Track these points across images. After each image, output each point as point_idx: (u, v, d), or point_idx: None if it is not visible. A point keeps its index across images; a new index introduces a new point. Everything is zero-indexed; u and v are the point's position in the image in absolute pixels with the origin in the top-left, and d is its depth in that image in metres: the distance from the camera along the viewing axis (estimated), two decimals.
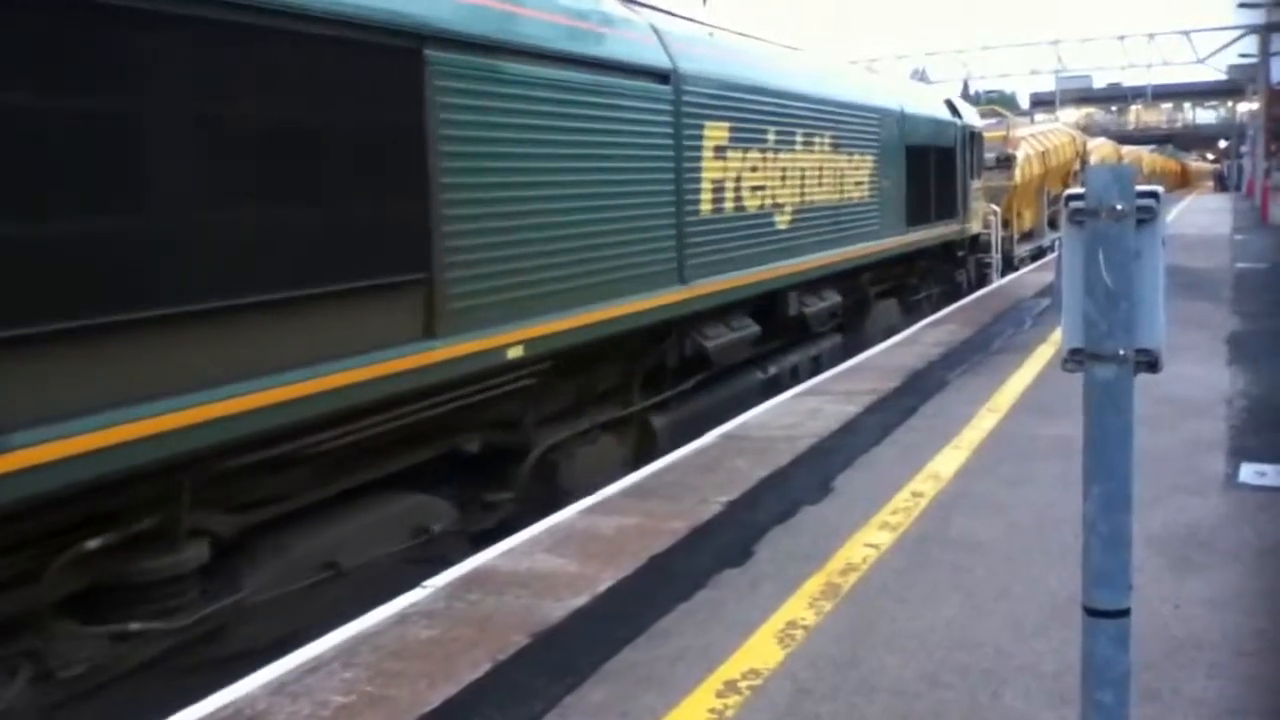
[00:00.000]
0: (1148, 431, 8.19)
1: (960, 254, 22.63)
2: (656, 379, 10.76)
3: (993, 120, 32.29)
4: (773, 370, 13.13)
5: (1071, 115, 77.16)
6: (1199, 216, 44.32)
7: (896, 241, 17.03)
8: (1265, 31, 52.48)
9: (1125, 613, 3.41)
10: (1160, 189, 3.41)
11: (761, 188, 11.90)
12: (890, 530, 7.10)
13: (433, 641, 5.59)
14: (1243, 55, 62.06)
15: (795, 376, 13.44)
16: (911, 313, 18.93)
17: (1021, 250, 30.85)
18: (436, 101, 7.06)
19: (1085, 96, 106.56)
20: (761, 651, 5.39)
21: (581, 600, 6.08)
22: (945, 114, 20.97)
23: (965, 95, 61.79)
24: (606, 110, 9.04)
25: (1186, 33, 66.73)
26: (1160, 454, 8.44)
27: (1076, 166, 38.16)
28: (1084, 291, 3.33)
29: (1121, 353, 3.29)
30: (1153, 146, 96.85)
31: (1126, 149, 66.82)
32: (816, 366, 14.19)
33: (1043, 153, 33.15)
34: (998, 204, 26.74)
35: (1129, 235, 3.26)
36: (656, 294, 9.73)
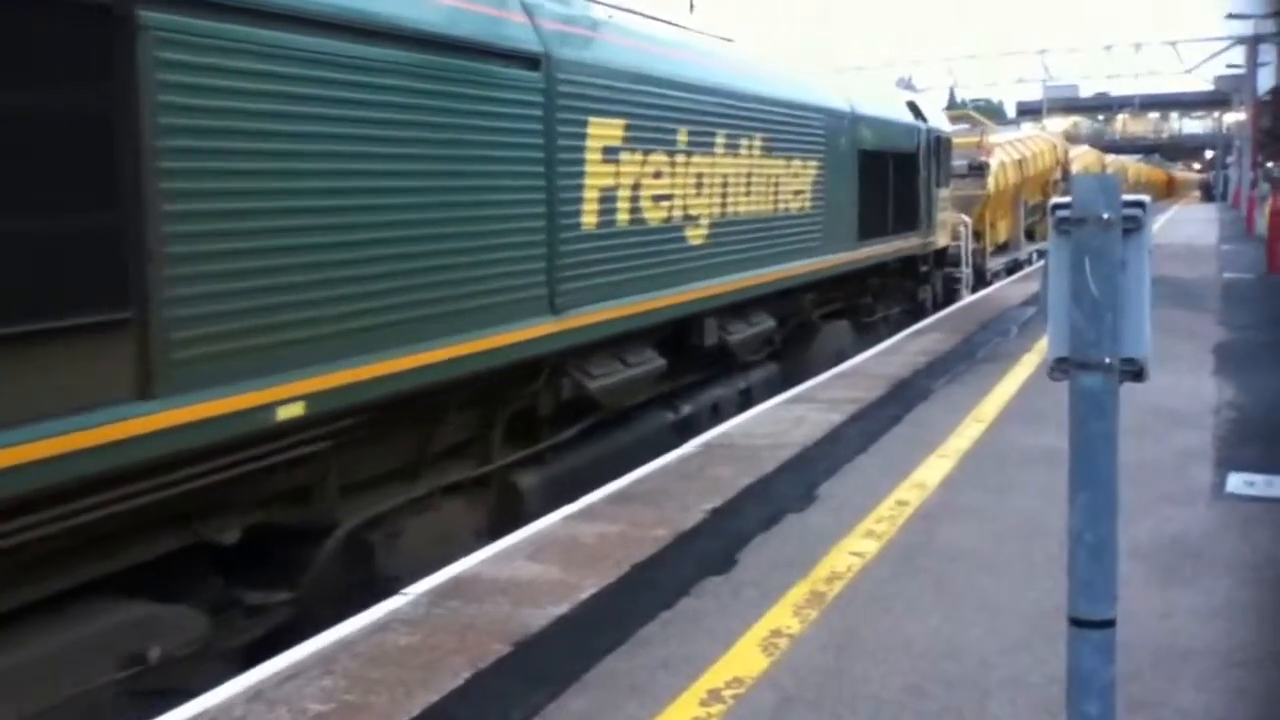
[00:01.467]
0: (1134, 441, 8.16)
1: (924, 269, 20.81)
2: (530, 427, 9.05)
3: (964, 125, 30.88)
4: (687, 410, 11.42)
5: (1058, 124, 77.26)
6: (1185, 227, 44.45)
7: (846, 257, 15.28)
8: (1253, 43, 52.67)
9: (1111, 623, 3.40)
10: (1147, 198, 3.40)
11: (668, 197, 10.13)
12: (875, 539, 7.07)
13: (412, 649, 5.54)
14: (1230, 66, 62.27)
15: (717, 415, 11.80)
16: (867, 335, 17.20)
17: (995, 264, 29.34)
18: (156, 80, 5.21)
19: (1072, 106, 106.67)
20: (745, 660, 5.35)
21: (563, 608, 6.03)
22: (906, 116, 19.29)
23: (951, 103, 61.86)
24: (441, 100, 7.20)
25: (1173, 43, 66.88)
26: (1147, 464, 8.42)
27: (1057, 175, 36.96)
28: (1070, 300, 3.31)
29: (1107, 361, 3.29)
30: (1139, 156, 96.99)
31: (1111, 158, 65.62)
32: (746, 401, 12.53)
33: (1019, 160, 31.61)
34: (969, 215, 25.49)
35: (1115, 244, 3.26)
36: (515, 327, 7.90)
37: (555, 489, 8.89)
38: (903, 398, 11.69)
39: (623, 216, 9.38)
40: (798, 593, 6.19)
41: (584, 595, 6.22)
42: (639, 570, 6.64)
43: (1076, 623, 3.41)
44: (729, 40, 12.68)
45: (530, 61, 8.20)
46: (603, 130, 9.04)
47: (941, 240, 21.62)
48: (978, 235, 26.83)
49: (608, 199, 9.14)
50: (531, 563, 6.77)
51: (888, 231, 17.39)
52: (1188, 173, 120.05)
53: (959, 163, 25.66)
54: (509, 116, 7.92)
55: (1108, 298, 3.26)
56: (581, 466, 9.37)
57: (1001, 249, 31.06)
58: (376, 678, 5.22)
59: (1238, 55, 58.65)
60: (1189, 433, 9.60)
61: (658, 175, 9.92)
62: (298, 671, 5.30)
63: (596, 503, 8.05)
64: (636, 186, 9.58)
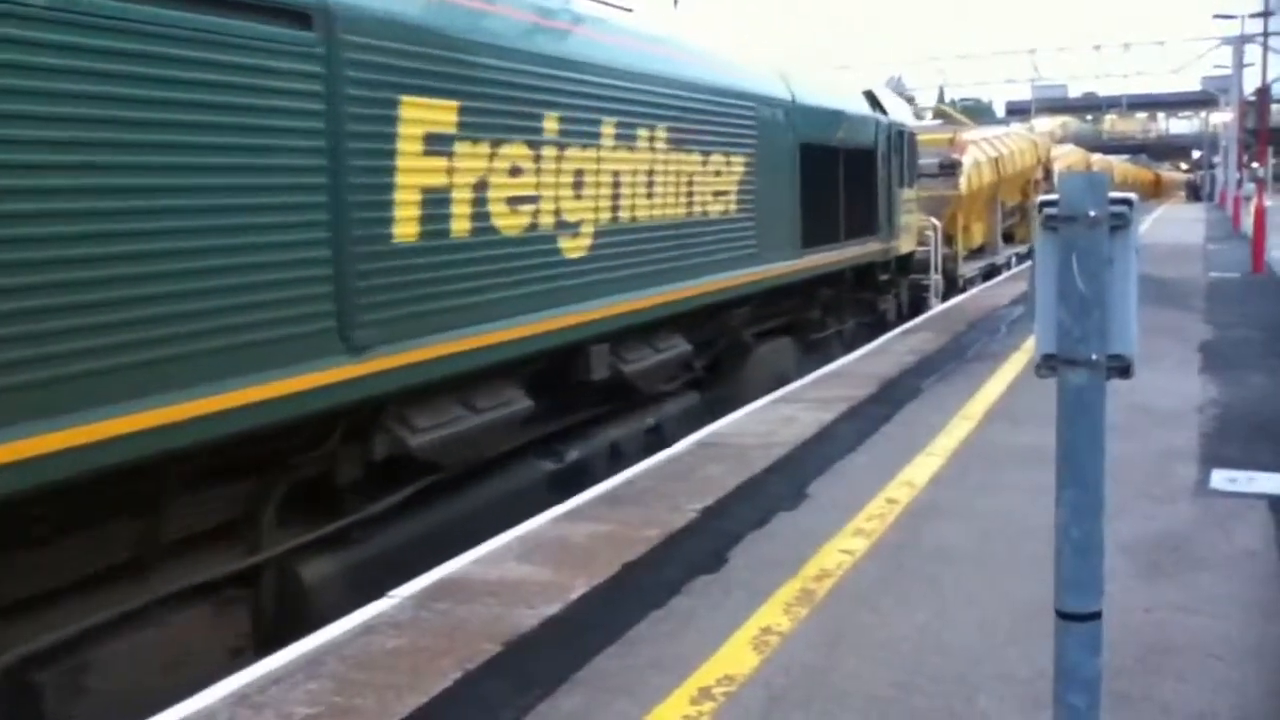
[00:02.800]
0: (1120, 439, 8.21)
1: (884, 278, 18.95)
2: (333, 498, 7.26)
3: (937, 122, 29.78)
4: (572, 456, 9.64)
5: (1047, 124, 77.44)
6: (1172, 227, 44.56)
7: (785, 268, 13.42)
8: (1239, 43, 52.82)
9: (1096, 616, 3.43)
10: (1134, 196, 3.42)
11: (532, 200, 8.26)
12: (865, 537, 7.09)
13: (400, 651, 5.53)
14: (1217, 66, 62.49)
15: (617, 459, 10.08)
16: (816, 353, 15.51)
17: (969, 269, 27.30)
18: None
19: (1061, 106, 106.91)
20: (736, 658, 5.35)
21: (553, 608, 6.03)
22: (862, 108, 17.26)
23: (941, 103, 61.92)
24: (143, 66, 5.27)
25: (1161, 43, 67.14)
26: (1133, 461, 8.45)
27: (1038, 175, 35.42)
28: (1057, 298, 3.33)
29: (1094, 358, 3.31)
30: (1126, 156, 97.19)
31: (1096, 157, 63.97)
32: (658, 440, 10.74)
33: (995, 159, 29.22)
34: (939, 217, 23.62)
35: (1102, 242, 3.28)
36: (274, 376, 5.94)
37: (362, 576, 7.10)
38: (892, 397, 11.70)
39: (461, 225, 7.52)
40: (788, 591, 6.19)
41: (574, 595, 6.22)
42: (629, 570, 6.64)
43: (1063, 616, 3.44)
44: (626, 10, 10.46)
45: (298, 17, 6.17)
46: (424, 114, 7.12)
47: (906, 246, 19.87)
48: (949, 239, 25.21)
49: (436, 203, 7.27)
50: (521, 563, 6.77)
51: (839, 237, 15.54)
52: (1175, 173, 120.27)
53: (929, 161, 24.33)
54: (264, 92, 5.86)
55: (1095, 295, 3.28)
56: (404, 543, 7.59)
57: (977, 253, 29.36)
58: (364, 680, 5.21)
59: (1225, 55, 58.88)
60: (1174, 430, 9.63)
61: (515, 172, 8.08)
62: (283, 675, 5.29)
63: (586, 503, 8.04)
64: (482, 186, 7.72)
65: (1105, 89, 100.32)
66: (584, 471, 9.56)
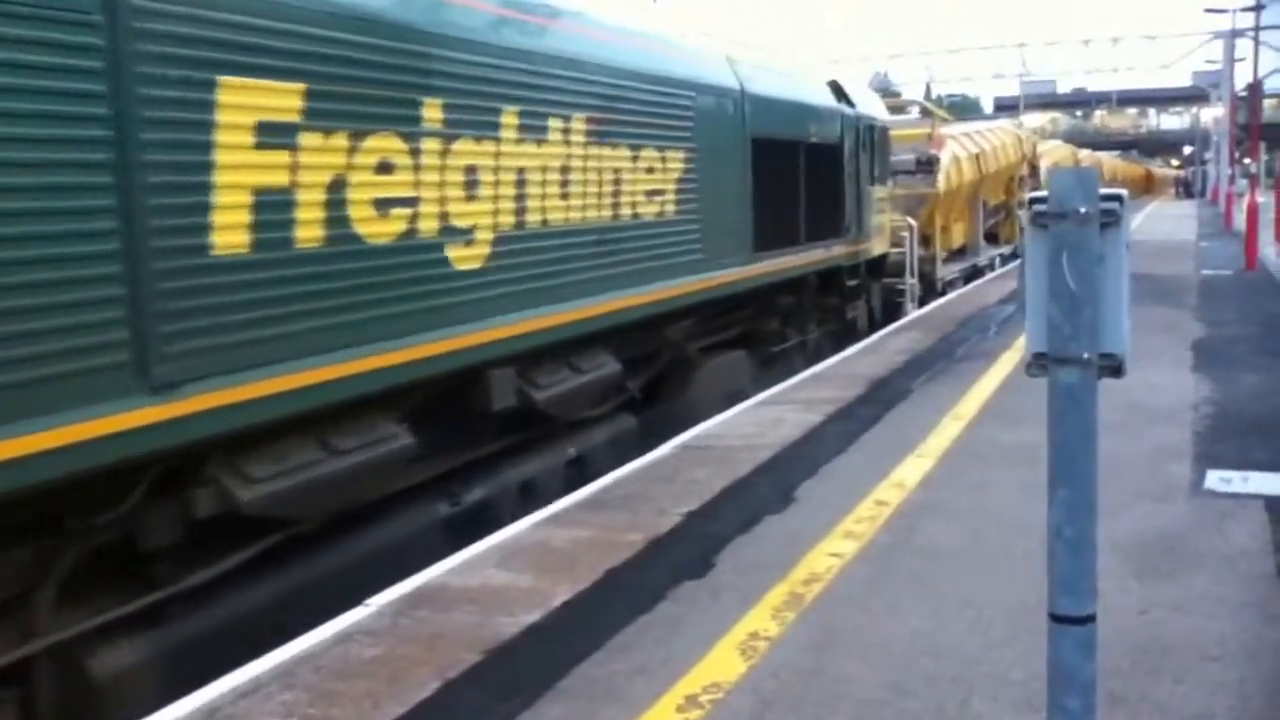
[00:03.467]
0: (1113, 438, 8.14)
1: (853, 283, 17.67)
2: (146, 567, 6.13)
3: (914, 116, 28.33)
4: (474, 496, 8.44)
5: (1036, 120, 77.76)
6: (1164, 223, 44.68)
7: (735, 275, 12.28)
8: (1231, 37, 52.94)
9: (1091, 619, 3.40)
10: (1124, 192, 3.37)
11: (410, 202, 7.17)
12: (854, 539, 7.00)
13: (378, 660, 5.43)
14: (1208, 61, 62.61)
15: (531, 497, 8.90)
16: (775, 367, 14.35)
17: (949, 271, 26.01)
18: None
19: (1050, 101, 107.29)
20: (723, 664, 5.27)
21: (535, 615, 5.94)
22: (826, 99, 16.11)
23: (928, 98, 62.03)
24: None
25: (1152, 38, 67.34)
26: (1126, 460, 8.39)
27: (1023, 172, 34.38)
28: (1048, 295, 3.28)
29: (1085, 357, 3.26)
30: (1117, 152, 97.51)
31: (1085, 153, 63.53)
32: (581, 475, 9.48)
33: (976, 155, 27.95)
34: (915, 217, 22.71)
35: (1093, 239, 3.24)
36: (55, 422, 4.89)
37: (182, 663, 5.94)
38: (881, 397, 11.64)
39: (310, 233, 6.34)
40: (776, 595, 6.10)
41: (557, 602, 6.12)
42: (613, 576, 6.55)
43: (1057, 619, 3.41)
44: None
45: None
46: (256, 98, 5.95)
47: (878, 248, 18.74)
48: (926, 240, 24.15)
49: (275, 206, 6.13)
50: (501, 570, 6.67)
51: (799, 240, 14.46)
52: (1166, 169, 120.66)
53: (904, 157, 23.66)
54: (22, 70, 4.81)
55: (1086, 292, 3.24)
56: (245, 616, 6.44)
57: (957, 255, 28.13)
58: (340, 691, 5.11)
59: (1216, 50, 59.00)
60: (1167, 429, 9.57)
61: (384, 169, 6.94)
62: (256, 687, 5.19)
63: (569, 508, 7.95)
64: (339, 186, 6.58)
65: (1095, 84, 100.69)
66: (487, 512, 8.42)
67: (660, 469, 8.95)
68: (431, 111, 7.38)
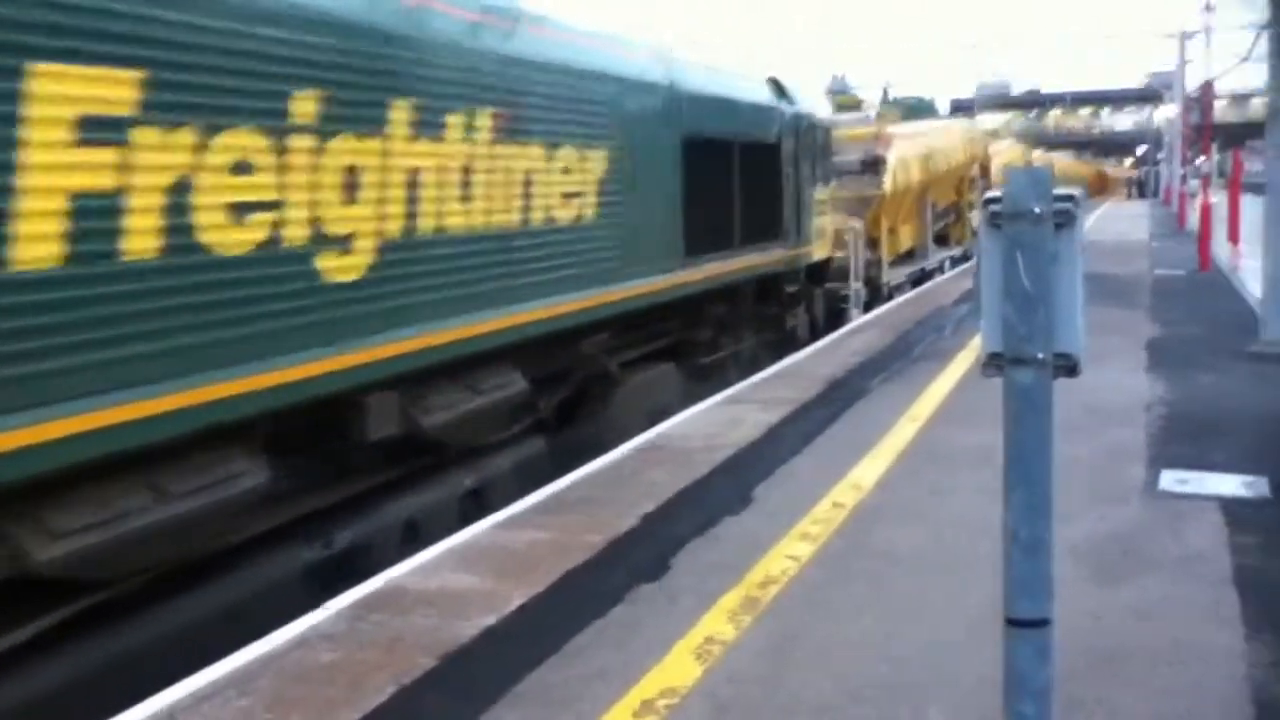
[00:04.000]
0: (1068, 439, 8.17)
1: (792, 289, 16.91)
2: None
3: (858, 115, 27.60)
4: (344, 541, 7.53)
5: (991, 121, 78.08)
6: (1117, 223, 44.87)
7: (661, 283, 11.54)
8: (1183, 39, 53.36)
9: (1047, 623, 3.40)
10: (1078, 192, 3.37)
11: (272, 206, 6.36)
12: (811, 541, 6.99)
13: (335, 665, 5.39)
14: (1161, 62, 63.20)
15: (415, 535, 8.01)
16: (708, 379, 13.46)
17: (896, 275, 24.95)
18: None
19: (1005, 102, 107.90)
20: (679, 669, 5.25)
21: (492, 619, 5.90)
22: (764, 96, 15.38)
23: (885, 101, 62.16)
24: None
25: (1106, 38, 67.82)
26: (1081, 462, 8.42)
27: (974, 173, 33.45)
28: (1003, 296, 3.28)
29: (1040, 357, 3.26)
30: (1071, 152, 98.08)
31: (1037, 153, 62.67)
32: (478, 507, 8.66)
33: (925, 155, 26.88)
34: (860, 219, 21.82)
35: (1047, 239, 3.24)
36: None
37: None
38: (838, 397, 11.64)
39: (140, 243, 5.59)
40: (732, 599, 6.09)
41: (514, 605, 6.09)
42: (571, 578, 6.52)
43: (1013, 623, 3.41)
44: None
45: None
46: (72, 88, 5.22)
47: (819, 252, 17.93)
48: (872, 243, 23.16)
49: (96, 212, 5.35)
50: (459, 573, 6.62)
51: (733, 244, 13.69)
52: (1119, 169, 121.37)
53: (850, 158, 22.97)
54: None
55: (1040, 293, 3.24)
56: (40, 694, 5.58)
57: (905, 258, 27.08)
58: (297, 696, 5.07)
59: (1169, 51, 59.52)
60: (1122, 430, 9.60)
61: (241, 169, 6.17)
62: (213, 692, 5.13)
63: (526, 510, 7.90)
64: (182, 190, 5.82)
65: (1049, 85, 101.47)
66: (367, 556, 7.55)
67: (618, 470, 8.92)
68: (300, 105, 6.58)
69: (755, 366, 14.37)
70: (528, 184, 9.02)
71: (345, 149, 6.97)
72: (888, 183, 23.63)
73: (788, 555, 6.75)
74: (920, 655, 5.31)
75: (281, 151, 6.44)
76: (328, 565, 7.32)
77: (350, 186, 7.03)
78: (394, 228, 7.45)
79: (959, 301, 20.54)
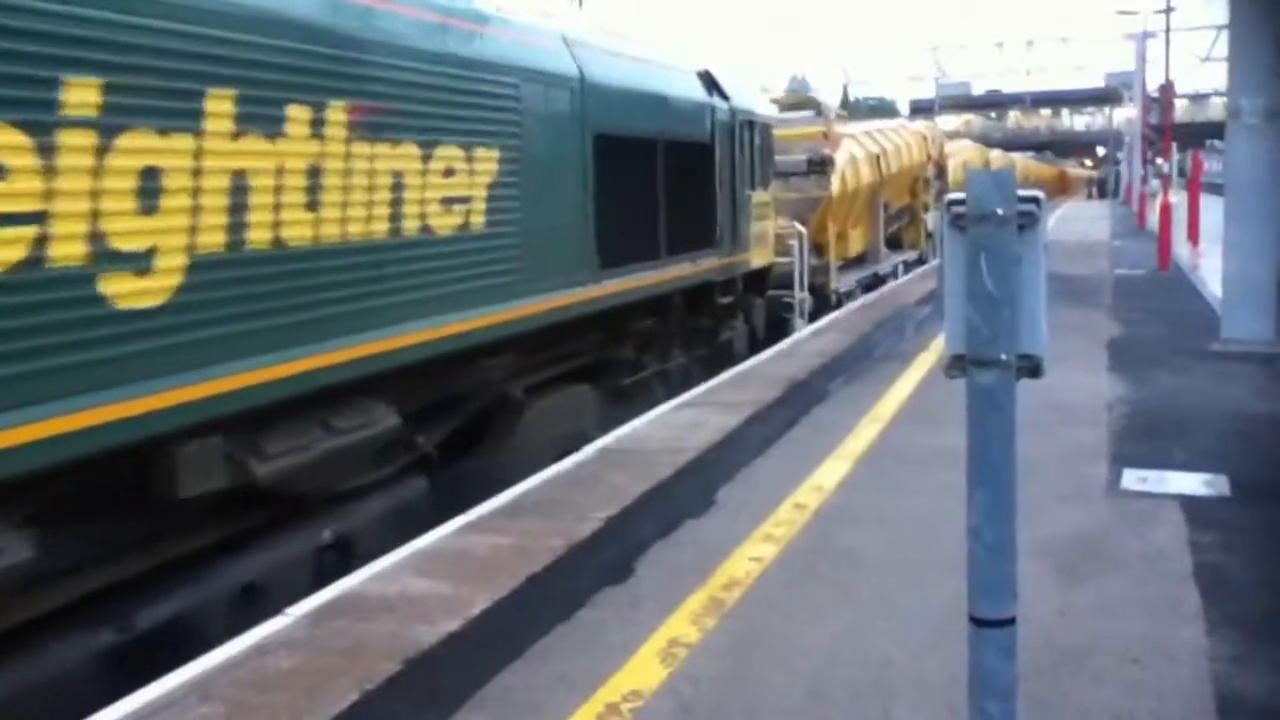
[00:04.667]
0: (1031, 439, 8.17)
1: (727, 300, 15.66)
2: None
3: (807, 113, 25.53)
4: (149, 619, 6.32)
5: (951, 122, 78.44)
6: (1078, 224, 45.14)
7: (569, 298, 10.47)
8: (1142, 39, 53.70)
9: (1011, 622, 3.41)
10: (1041, 194, 3.37)
11: (35, 219, 5.30)
12: (774, 543, 6.99)
13: (295, 672, 5.34)
14: (1120, 63, 63.64)
15: (263, 600, 6.89)
16: (631, 401, 12.43)
17: (846, 281, 23.73)
18: None
19: (965, 103, 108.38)
20: (643, 672, 5.24)
21: (455, 624, 5.87)
22: (694, 90, 14.25)
23: (845, 102, 62.28)
24: None
25: (1065, 40, 68.34)
26: (1043, 461, 8.43)
27: (929, 174, 32.27)
28: (966, 297, 3.28)
29: (1004, 358, 3.26)
30: (1031, 152, 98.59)
31: (996, 153, 61.10)
32: (343, 561, 7.62)
33: (876, 155, 25.61)
34: (805, 222, 20.40)
35: (1010, 241, 3.24)
36: None
37: None
38: (799, 399, 11.63)
39: None
40: (696, 601, 6.08)
41: (477, 610, 6.05)
42: (533, 583, 6.49)
43: (977, 622, 3.42)
44: None
45: None
46: None
47: (759, 259, 16.90)
48: (819, 248, 21.92)
49: None
50: (420, 578, 6.58)
51: (659, 253, 12.66)
52: (1080, 169, 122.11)
53: (795, 158, 21.65)
54: None
55: (1004, 294, 3.24)
56: None
57: (856, 263, 25.86)
58: (258, 703, 5.02)
59: (1128, 52, 59.89)
60: (1084, 429, 9.64)
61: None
62: (172, 700, 5.09)
63: (487, 514, 7.85)
64: None
65: (1009, 86, 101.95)
66: (188, 632, 6.42)
67: (580, 473, 8.89)
68: (77, 94, 5.45)
69: (686, 384, 13.27)
70: (397, 188, 7.86)
71: (139, 147, 5.81)
72: (835, 184, 22.33)
73: (751, 557, 6.74)
74: (885, 655, 5.31)
75: (45, 151, 5.30)
76: (125, 649, 6.15)
77: (149, 192, 5.89)
78: (213, 242, 6.30)
79: (920, 303, 20.56)
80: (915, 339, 15.81)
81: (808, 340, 16.40)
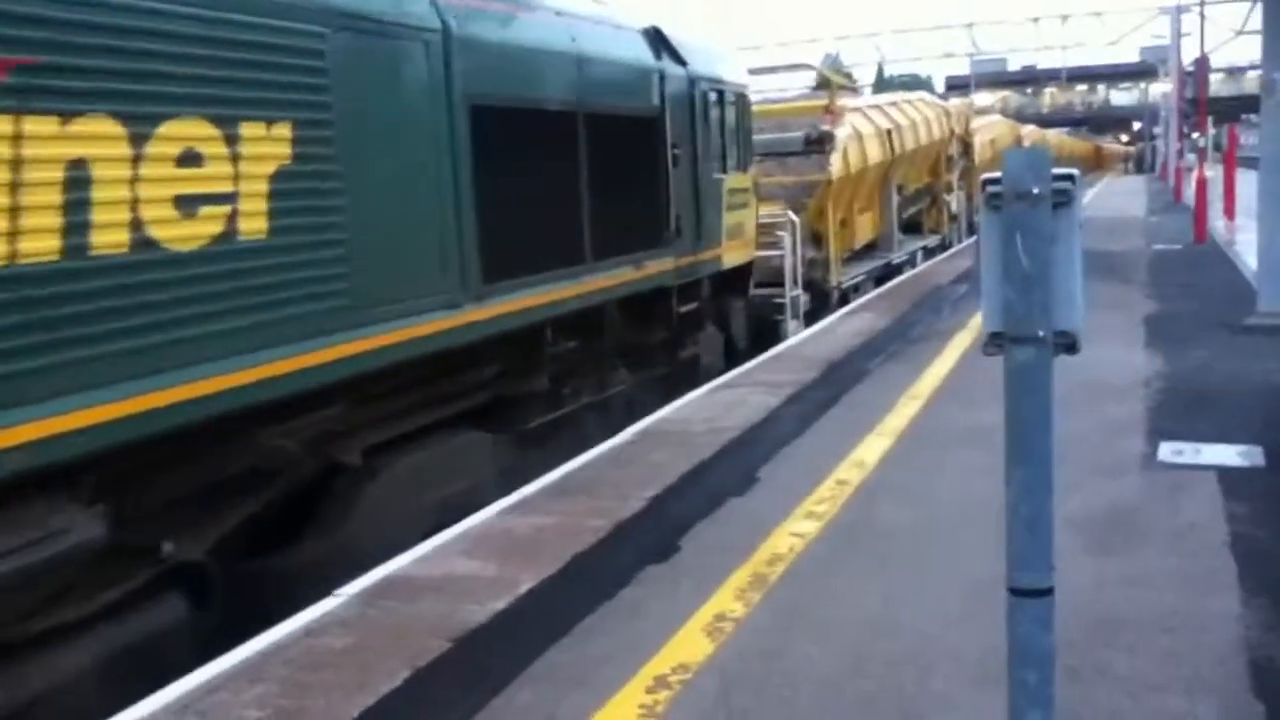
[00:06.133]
0: (1068, 414, 8.20)
1: (688, 308, 12.68)
2: None
3: (803, 89, 22.97)
4: None
5: (987, 98, 77.84)
6: (1114, 199, 44.84)
7: (429, 326, 7.96)
8: (1177, 13, 53.18)
9: (1048, 592, 3.44)
10: (1076, 172, 3.41)
11: None
12: (816, 520, 7.05)
13: (347, 651, 5.46)
14: (1155, 36, 63.00)
15: None
16: (544, 448, 9.68)
17: (853, 275, 20.86)
18: None
19: (1000, 79, 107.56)
20: (690, 646, 5.31)
21: (502, 603, 5.97)
22: (633, 51, 11.64)
23: (880, 80, 61.67)
24: None
25: (1099, 14, 67.82)
26: (1080, 436, 8.45)
27: (952, 151, 29.57)
28: (1002, 276, 3.32)
29: (1040, 335, 3.30)
30: (1067, 128, 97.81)
31: (1029, 129, 58.29)
32: None
33: (885, 131, 22.48)
34: (800, 209, 18.00)
35: (1045, 219, 3.27)
36: None
37: None
38: (838, 379, 11.68)
39: None
40: (740, 576, 6.15)
41: (523, 589, 6.15)
42: (578, 562, 6.58)
43: (1015, 593, 3.45)
44: None
45: None
46: None
47: (735, 254, 14.25)
48: (817, 239, 19.19)
49: None
50: (467, 559, 6.69)
51: (579, 257, 10.03)
52: (1115, 144, 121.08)
53: (791, 134, 19.22)
54: None
55: (1040, 271, 3.27)
56: None
57: (865, 252, 22.87)
58: (311, 682, 5.14)
59: (1163, 26, 59.30)
60: (1120, 404, 9.66)
61: None
62: (227, 681, 5.21)
63: (531, 495, 7.95)
64: None
65: (1044, 62, 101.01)
66: None
67: (621, 454, 8.97)
68: None
69: (632, 415, 10.76)
70: (84, 184, 5.41)
71: None
72: (835, 164, 19.34)
73: (793, 533, 6.81)
74: (925, 627, 5.38)
75: None
76: None
77: None
78: None
79: (955, 281, 20.46)
80: (952, 317, 15.79)
81: (844, 320, 16.37)
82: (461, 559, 6.70)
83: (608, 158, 10.52)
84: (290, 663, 5.36)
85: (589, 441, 9.61)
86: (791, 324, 16.65)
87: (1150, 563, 6.11)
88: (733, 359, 14.06)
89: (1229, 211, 28.75)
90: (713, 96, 13.35)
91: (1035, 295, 3.28)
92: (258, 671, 5.28)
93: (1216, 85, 51.30)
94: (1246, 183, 25.81)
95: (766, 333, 16.06)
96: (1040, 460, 3.39)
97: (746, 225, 14.82)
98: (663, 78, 11.92)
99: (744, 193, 14.66)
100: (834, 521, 7.03)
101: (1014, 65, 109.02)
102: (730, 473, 8.28)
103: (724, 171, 13.76)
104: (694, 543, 6.82)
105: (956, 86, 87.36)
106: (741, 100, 14.59)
